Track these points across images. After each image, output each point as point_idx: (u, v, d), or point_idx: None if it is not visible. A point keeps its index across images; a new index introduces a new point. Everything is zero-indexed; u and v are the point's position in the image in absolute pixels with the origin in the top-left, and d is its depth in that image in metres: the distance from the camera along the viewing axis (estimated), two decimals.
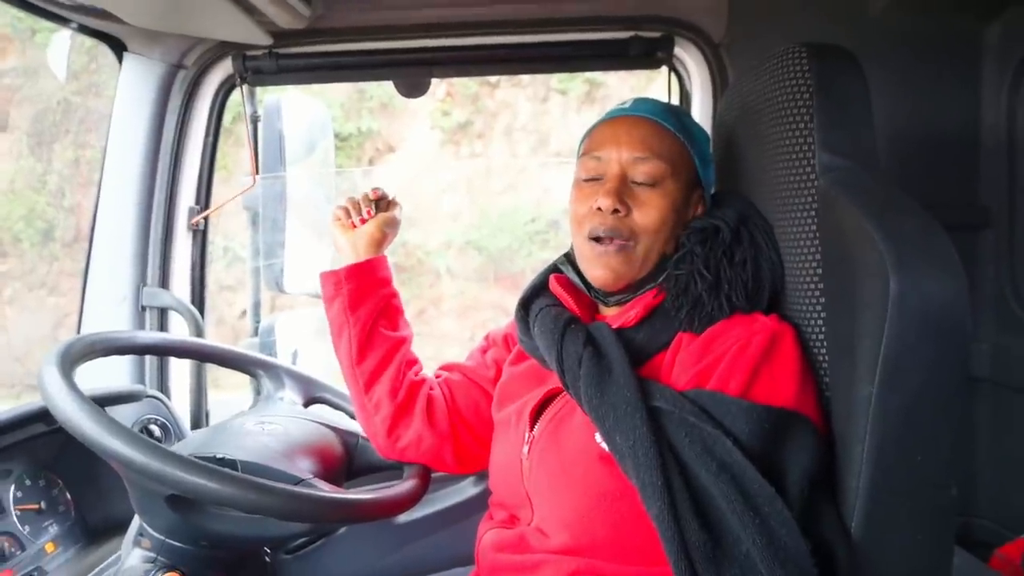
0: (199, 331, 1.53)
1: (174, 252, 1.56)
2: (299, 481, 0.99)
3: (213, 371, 1.54)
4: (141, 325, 1.54)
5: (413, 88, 1.54)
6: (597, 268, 1.02)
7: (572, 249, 1.10)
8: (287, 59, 1.49)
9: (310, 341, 1.75)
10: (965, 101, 1.44)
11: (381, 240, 1.18)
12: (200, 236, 1.61)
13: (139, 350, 1.39)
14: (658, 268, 1.03)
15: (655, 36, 1.47)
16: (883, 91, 1.26)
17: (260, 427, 1.11)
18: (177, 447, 1.06)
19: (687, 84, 1.54)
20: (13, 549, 1.17)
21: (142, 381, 1.53)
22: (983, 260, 1.44)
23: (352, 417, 1.28)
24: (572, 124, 5.53)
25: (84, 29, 1.41)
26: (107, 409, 1.04)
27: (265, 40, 1.43)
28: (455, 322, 5.34)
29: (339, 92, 5.38)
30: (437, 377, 1.22)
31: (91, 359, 1.05)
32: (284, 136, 1.62)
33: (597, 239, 1.01)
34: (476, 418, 1.17)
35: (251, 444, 1.05)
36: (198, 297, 1.62)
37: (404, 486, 1.10)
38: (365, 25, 1.48)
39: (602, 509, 0.92)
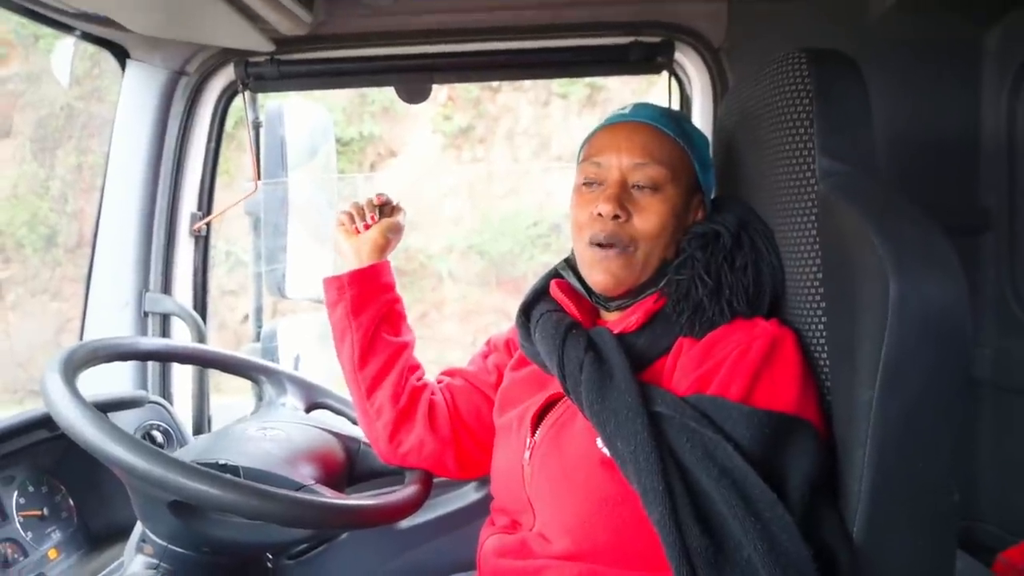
0: (201, 337, 1.54)
1: (176, 258, 1.56)
2: (301, 487, 0.99)
3: (215, 375, 1.55)
4: (144, 331, 1.54)
5: (414, 94, 1.55)
6: (598, 273, 1.02)
7: (573, 254, 1.11)
8: (289, 65, 1.50)
9: (312, 346, 1.75)
10: (965, 104, 1.45)
11: (384, 246, 1.18)
12: (202, 242, 1.62)
13: (141, 356, 1.40)
14: (659, 273, 1.03)
15: (655, 41, 1.48)
16: (883, 95, 1.27)
17: (262, 433, 1.11)
18: (179, 453, 1.07)
19: (687, 89, 1.55)
20: (16, 555, 1.17)
21: (144, 387, 1.54)
22: (984, 263, 1.44)
23: (354, 423, 1.28)
24: (573, 128, 5.54)
25: (87, 36, 1.41)
26: (109, 415, 1.04)
27: (267, 47, 1.43)
28: (457, 326, 5.34)
29: (341, 97, 5.39)
30: (439, 382, 1.22)
31: (94, 365, 1.06)
32: (286, 142, 1.62)
33: (598, 245, 1.01)
34: (478, 423, 1.18)
35: (253, 450, 1.05)
36: (200, 302, 1.62)
37: (406, 491, 1.10)
38: (366, 31, 1.48)
39: (603, 514, 0.92)
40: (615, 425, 0.90)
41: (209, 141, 1.58)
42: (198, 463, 0.95)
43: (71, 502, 1.28)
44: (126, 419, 1.37)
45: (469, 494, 1.48)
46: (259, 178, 1.58)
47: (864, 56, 1.01)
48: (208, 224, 1.61)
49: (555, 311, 1.07)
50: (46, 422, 1.22)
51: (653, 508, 0.84)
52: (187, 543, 0.98)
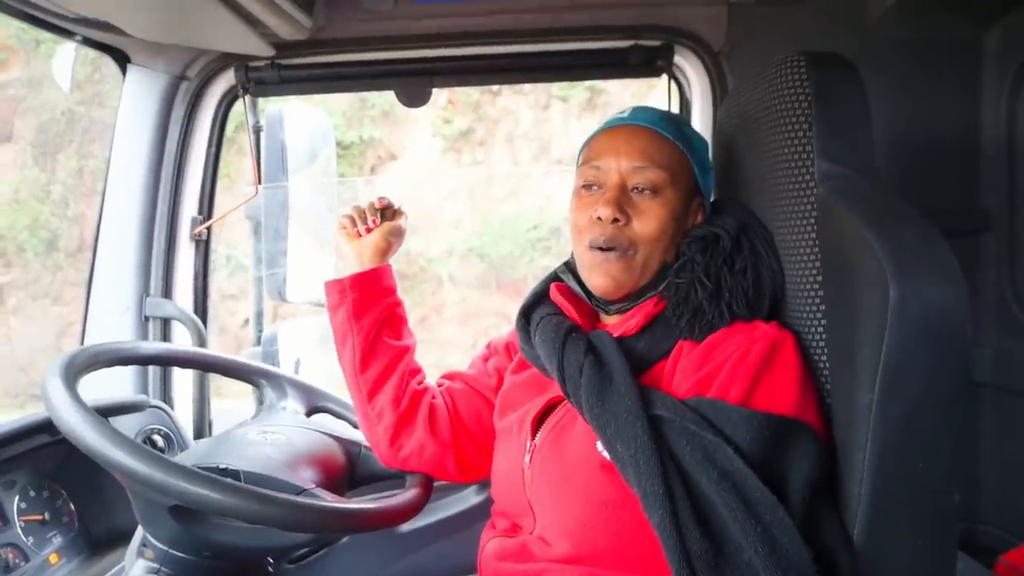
0: (202, 341, 1.54)
1: (177, 262, 1.56)
2: (301, 491, 0.99)
3: (216, 379, 1.55)
4: (144, 335, 1.54)
5: (414, 98, 1.55)
6: (598, 277, 1.02)
7: (572, 257, 1.11)
8: (289, 70, 1.50)
9: (313, 350, 1.75)
10: (965, 106, 1.45)
11: (386, 249, 1.18)
12: (203, 246, 1.62)
13: (142, 361, 1.39)
14: (659, 276, 1.03)
15: (655, 45, 1.48)
16: (883, 97, 1.27)
17: (263, 437, 1.11)
18: (180, 457, 1.07)
19: (687, 92, 1.55)
20: (17, 560, 1.17)
21: (145, 391, 1.54)
22: (984, 265, 1.44)
23: (354, 426, 1.28)
24: (573, 131, 5.54)
25: (88, 41, 1.42)
26: (110, 420, 1.04)
27: (267, 51, 1.44)
28: (457, 329, 5.34)
29: (341, 100, 5.40)
30: (439, 386, 1.22)
31: (95, 370, 1.06)
32: (286, 146, 1.62)
33: (598, 248, 1.01)
34: (478, 427, 1.18)
35: (254, 454, 1.05)
36: (201, 307, 1.63)
37: (406, 495, 1.10)
38: (366, 36, 1.48)
39: (604, 518, 0.92)
40: (615, 428, 0.90)
41: (210, 146, 1.58)
42: (199, 467, 0.95)
43: (72, 506, 1.28)
44: (127, 423, 1.37)
45: (470, 498, 1.48)
46: (260, 182, 1.59)
47: (863, 58, 1.02)
48: (209, 228, 1.61)
49: (555, 314, 1.07)
50: (47, 426, 1.22)
51: (653, 511, 0.84)
52: (188, 547, 0.99)
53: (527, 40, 1.49)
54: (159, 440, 1.42)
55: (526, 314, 1.12)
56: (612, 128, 1.07)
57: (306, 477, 1.04)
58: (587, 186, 1.05)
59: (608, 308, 1.07)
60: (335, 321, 1.16)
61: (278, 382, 1.31)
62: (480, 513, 1.36)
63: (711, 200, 1.11)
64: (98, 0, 1.21)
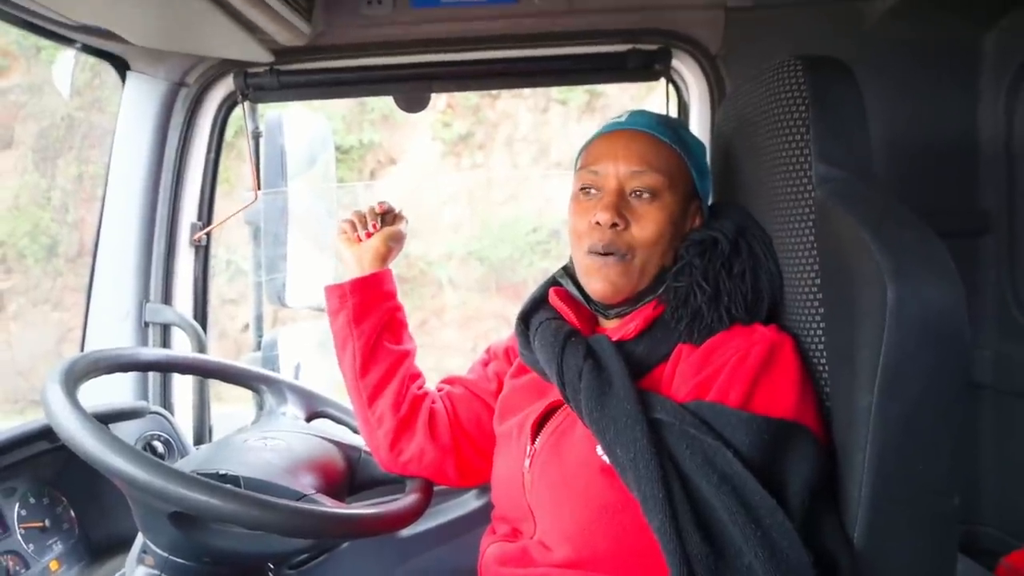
0: (202, 347, 1.54)
1: (177, 268, 1.57)
2: (301, 497, 0.99)
3: (216, 384, 1.55)
4: (144, 341, 1.55)
5: (413, 103, 1.56)
6: (596, 281, 1.03)
7: (571, 261, 1.11)
8: (288, 76, 1.50)
9: (313, 355, 1.75)
10: (963, 107, 1.45)
11: (386, 254, 1.19)
12: (202, 252, 1.62)
13: (142, 367, 1.40)
14: (657, 280, 1.03)
15: (653, 49, 1.48)
16: (881, 98, 1.27)
17: (263, 443, 1.11)
18: (180, 464, 1.07)
19: (685, 95, 1.55)
20: (18, 568, 1.17)
21: (145, 397, 1.54)
22: (984, 266, 1.44)
23: (355, 431, 1.28)
24: (573, 134, 5.55)
25: (88, 49, 1.42)
26: (110, 426, 1.04)
27: (266, 57, 1.44)
28: (457, 332, 5.35)
29: (340, 105, 5.41)
30: (439, 390, 1.22)
31: (94, 377, 1.06)
32: (285, 151, 1.63)
33: (596, 253, 1.02)
34: (478, 431, 1.18)
35: (254, 460, 1.05)
36: (201, 312, 1.63)
37: (406, 500, 1.10)
38: (365, 41, 1.49)
39: (604, 522, 0.92)
40: (615, 432, 0.90)
41: (209, 151, 1.59)
42: (199, 473, 0.95)
43: (72, 513, 1.28)
44: (127, 430, 1.37)
45: (470, 502, 1.48)
46: (259, 187, 1.59)
47: (861, 61, 1.02)
48: (208, 234, 1.61)
49: (554, 319, 1.07)
50: (47, 433, 1.22)
51: (653, 515, 0.84)
52: (188, 554, 0.98)
53: (526, 45, 1.50)
54: (159, 446, 1.42)
55: (525, 319, 1.12)
56: (609, 133, 1.07)
57: (306, 483, 1.04)
58: (585, 191, 1.05)
59: (607, 312, 1.07)
60: (335, 326, 1.16)
61: (278, 387, 1.31)
62: (480, 518, 1.36)
63: (709, 204, 1.11)
64: (98, 8, 1.22)
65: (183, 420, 1.53)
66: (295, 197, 1.66)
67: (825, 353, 0.93)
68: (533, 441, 1.04)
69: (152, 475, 0.86)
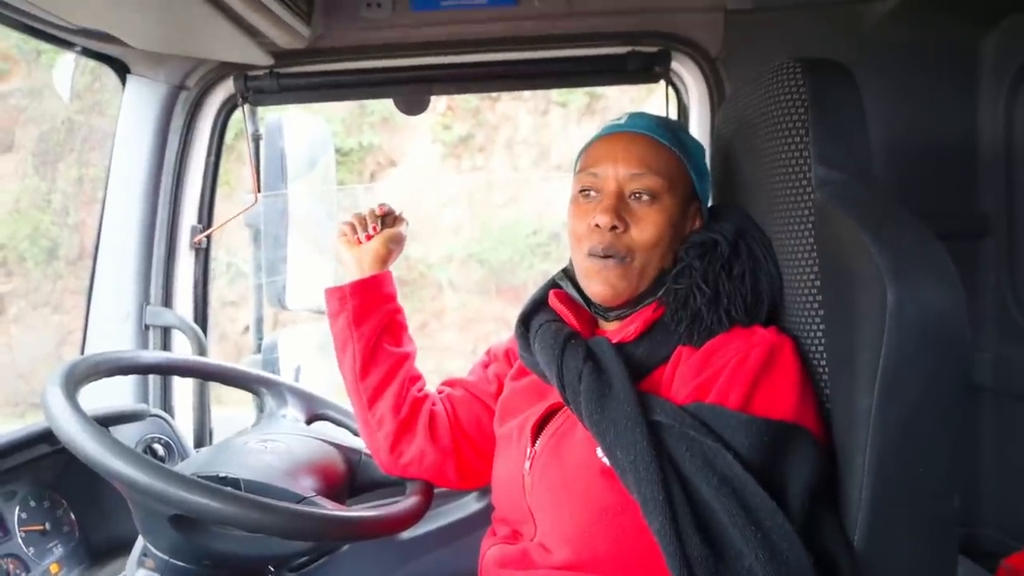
0: (202, 350, 1.54)
1: (177, 271, 1.57)
2: (302, 499, 0.99)
3: (216, 387, 1.55)
4: (144, 344, 1.55)
5: (413, 105, 1.56)
6: (596, 284, 1.03)
7: (571, 264, 1.11)
8: (288, 79, 1.50)
9: (313, 358, 1.75)
10: (963, 111, 1.45)
11: (386, 256, 1.19)
12: (203, 254, 1.62)
13: (142, 370, 1.40)
14: (657, 283, 1.03)
15: (652, 51, 1.49)
16: (881, 101, 1.27)
17: (263, 445, 1.11)
18: (180, 467, 1.07)
19: (684, 98, 1.55)
20: (18, 571, 1.17)
21: (146, 400, 1.54)
22: (984, 269, 1.44)
23: (355, 434, 1.28)
24: (573, 136, 5.55)
25: (88, 52, 1.42)
26: (111, 429, 1.04)
27: (266, 60, 1.44)
28: (457, 335, 5.34)
29: (340, 107, 5.41)
30: (439, 393, 1.22)
31: (95, 380, 1.06)
32: (285, 154, 1.63)
33: (596, 256, 1.02)
34: (478, 433, 1.18)
35: (254, 463, 1.05)
36: (201, 315, 1.63)
37: (407, 503, 1.10)
38: (364, 44, 1.49)
39: (604, 524, 0.92)
40: (615, 435, 0.90)
41: (209, 154, 1.59)
42: (199, 476, 0.95)
43: (73, 516, 1.28)
44: (127, 433, 1.37)
45: (470, 504, 1.48)
46: (259, 190, 1.59)
47: (861, 63, 1.02)
48: (208, 236, 1.61)
49: (554, 321, 1.08)
50: (47, 436, 1.22)
51: (653, 517, 0.84)
52: (188, 556, 0.98)
53: (525, 47, 1.50)
54: (159, 449, 1.42)
55: (525, 321, 1.12)
56: (609, 135, 1.07)
57: (306, 485, 1.04)
58: (584, 193, 1.05)
59: (607, 315, 1.07)
60: (335, 328, 1.16)
61: (278, 390, 1.31)
62: (481, 520, 1.36)
63: (708, 205, 1.11)
64: (98, 11, 1.22)
65: (183, 423, 1.53)
66: (295, 199, 1.66)
67: (825, 355, 0.93)
68: (533, 443, 1.04)
69: (152, 478, 0.86)
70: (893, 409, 0.82)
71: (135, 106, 1.52)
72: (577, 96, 5.57)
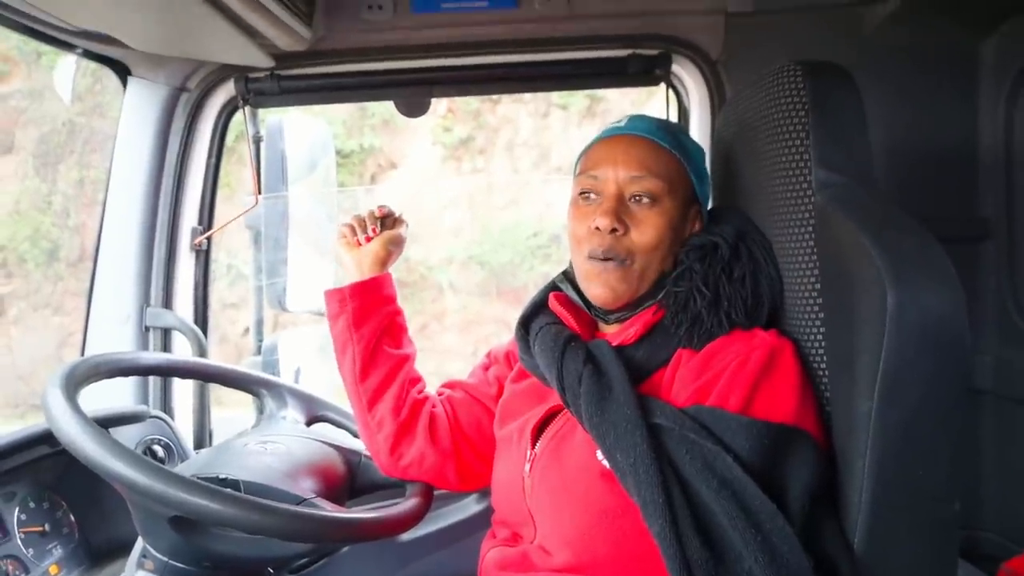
0: (202, 351, 1.54)
1: (177, 272, 1.57)
2: (302, 501, 0.99)
3: (216, 388, 1.55)
4: (145, 345, 1.55)
5: (414, 108, 1.56)
6: (596, 287, 1.03)
7: (571, 266, 1.11)
8: (289, 81, 1.51)
9: (313, 359, 1.75)
10: (963, 114, 1.45)
11: (386, 258, 1.19)
12: (203, 256, 1.62)
13: (143, 371, 1.40)
14: (657, 285, 1.03)
15: (653, 54, 1.49)
16: (881, 104, 1.28)
17: (263, 447, 1.11)
18: (180, 468, 1.07)
19: (685, 100, 1.56)
20: (17, 572, 1.16)
21: (146, 401, 1.54)
22: (984, 272, 1.44)
23: (355, 436, 1.28)
24: (573, 139, 5.56)
25: (89, 54, 1.43)
26: (110, 430, 1.04)
27: (267, 62, 1.44)
28: (457, 337, 5.34)
29: (341, 109, 5.41)
30: (439, 395, 1.22)
31: (95, 381, 1.06)
32: (286, 156, 1.63)
33: (596, 259, 1.02)
34: (478, 435, 1.18)
35: (254, 464, 1.05)
36: (201, 317, 1.63)
37: (407, 504, 1.10)
38: (365, 46, 1.49)
39: (604, 526, 0.92)
40: (614, 437, 0.90)
41: (210, 156, 1.59)
42: (199, 478, 0.95)
43: (72, 518, 1.28)
44: (127, 434, 1.37)
45: (470, 507, 1.48)
46: (260, 192, 1.59)
47: (861, 66, 1.03)
48: (209, 238, 1.61)
49: (554, 324, 1.08)
50: (47, 438, 1.22)
51: (653, 520, 0.84)
52: (188, 558, 0.98)
53: (526, 49, 1.50)
54: (159, 450, 1.41)
55: (525, 324, 1.12)
56: (609, 138, 1.07)
57: (306, 487, 1.04)
58: (585, 195, 1.05)
59: (607, 317, 1.07)
60: (335, 330, 1.16)
61: (278, 391, 1.31)
62: (480, 522, 1.35)
63: (708, 208, 1.11)
64: (99, 13, 1.22)
65: (183, 424, 1.53)
66: (296, 201, 1.66)
67: (825, 358, 0.93)
68: (533, 446, 1.04)
69: (152, 479, 0.86)
70: (893, 412, 0.82)
71: (136, 108, 1.52)
72: (577, 99, 5.58)
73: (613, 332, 1.06)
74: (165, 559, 0.99)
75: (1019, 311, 1.40)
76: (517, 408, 1.11)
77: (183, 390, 1.59)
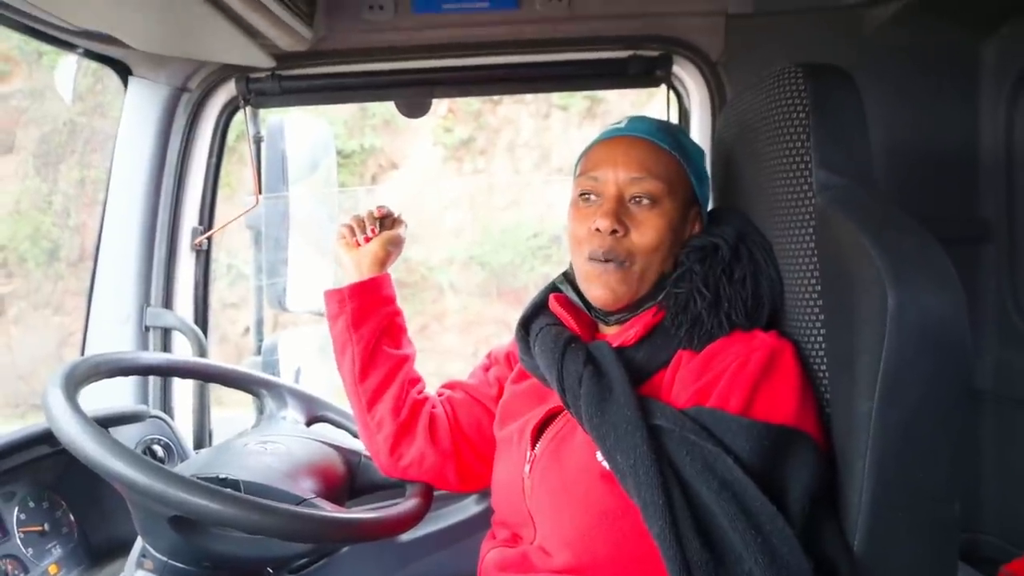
0: (202, 351, 1.54)
1: (178, 272, 1.57)
2: (301, 501, 0.99)
3: (216, 388, 1.55)
4: (145, 345, 1.55)
5: (415, 108, 1.56)
6: (596, 289, 1.03)
7: (571, 268, 1.11)
8: (290, 81, 1.51)
9: (313, 359, 1.75)
10: (963, 115, 1.45)
11: (384, 259, 1.19)
12: (203, 256, 1.62)
13: (143, 371, 1.40)
14: (657, 287, 1.03)
15: (654, 55, 1.49)
16: (881, 105, 1.28)
17: (263, 447, 1.11)
18: (180, 468, 1.07)
19: (686, 102, 1.56)
20: (17, 572, 1.16)
21: (145, 401, 1.54)
22: (984, 274, 1.44)
23: (355, 436, 1.28)
24: (574, 140, 5.55)
25: (90, 54, 1.43)
26: (110, 430, 1.05)
27: (268, 63, 1.44)
28: (458, 337, 5.34)
29: (342, 109, 5.41)
30: (439, 395, 1.22)
31: (95, 380, 1.06)
32: (287, 156, 1.63)
33: (596, 260, 1.02)
34: (478, 436, 1.18)
35: (254, 464, 1.05)
36: (201, 317, 1.63)
37: (407, 505, 1.10)
38: (367, 47, 1.49)
39: (604, 528, 0.92)
40: (615, 439, 0.90)
41: (210, 156, 1.59)
42: (198, 478, 0.95)
43: (72, 517, 1.28)
44: (127, 434, 1.37)
45: (470, 507, 1.48)
46: (260, 192, 1.59)
47: (861, 67, 1.03)
48: (209, 238, 1.61)
49: (554, 325, 1.08)
50: (47, 437, 1.21)
51: (653, 522, 0.84)
52: (188, 558, 0.98)
53: (527, 50, 1.50)
54: (159, 450, 1.41)
55: (525, 325, 1.12)
56: (609, 139, 1.07)
57: (306, 487, 1.04)
58: (585, 197, 1.05)
59: (607, 319, 1.07)
60: (334, 330, 1.16)
61: (278, 391, 1.31)
62: (480, 523, 1.36)
63: (708, 209, 1.11)
64: (100, 13, 1.22)
65: (183, 424, 1.53)
66: (296, 202, 1.66)
67: (825, 359, 0.93)
68: (533, 447, 1.04)
69: (152, 479, 0.86)
70: (893, 413, 0.82)
71: (137, 108, 1.52)
72: (578, 100, 5.58)
73: (613, 333, 1.06)
74: (165, 559, 0.99)
75: (1019, 312, 1.40)
76: (517, 409, 1.11)
77: (183, 390, 1.59)
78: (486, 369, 1.24)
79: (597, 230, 1.01)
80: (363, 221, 1.20)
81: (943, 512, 0.86)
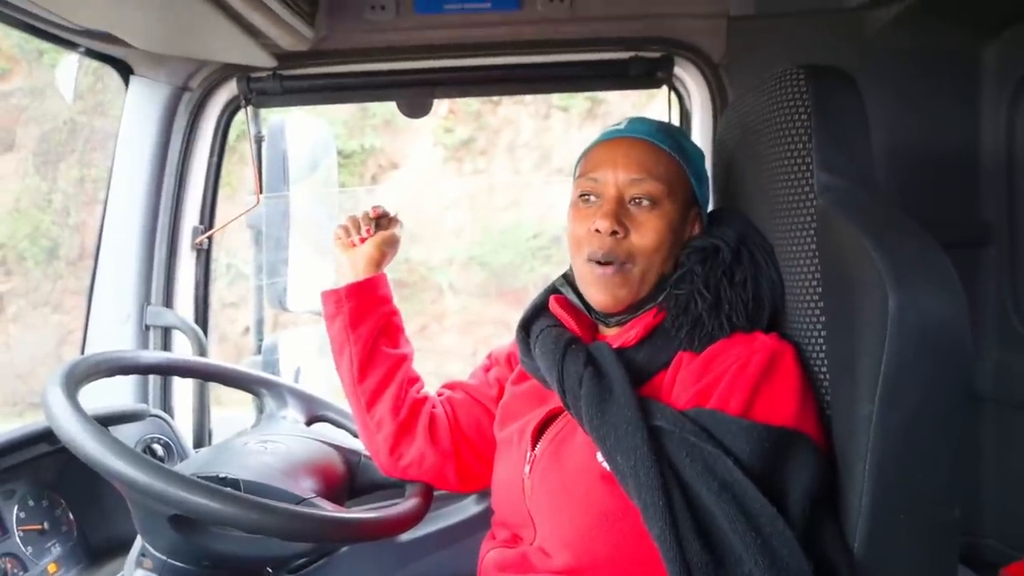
0: (202, 350, 1.54)
1: (178, 271, 1.57)
2: (301, 500, 0.99)
3: (216, 388, 1.55)
4: (145, 344, 1.55)
5: (416, 108, 1.56)
6: (597, 292, 1.03)
7: (571, 269, 1.11)
8: (291, 81, 1.51)
9: (313, 359, 1.75)
10: (965, 118, 1.45)
11: (380, 259, 1.19)
12: (204, 255, 1.62)
13: (143, 370, 1.40)
14: (657, 288, 1.03)
15: (655, 56, 1.49)
16: (883, 108, 1.28)
17: (263, 446, 1.11)
18: (180, 467, 1.07)
19: (687, 103, 1.56)
20: (16, 570, 1.16)
21: (145, 400, 1.54)
22: (985, 277, 1.44)
23: (355, 435, 1.28)
24: (574, 141, 5.55)
25: (91, 53, 1.42)
26: (110, 428, 1.04)
27: (269, 62, 1.44)
28: (458, 338, 5.33)
29: (342, 109, 5.40)
30: (439, 395, 1.22)
31: (95, 379, 1.06)
32: (287, 155, 1.63)
33: (596, 262, 1.02)
34: (478, 436, 1.18)
35: (253, 463, 1.05)
36: (202, 316, 1.63)
37: (406, 505, 1.10)
38: (368, 47, 1.49)
39: (603, 529, 0.92)
40: (615, 440, 0.90)
41: (211, 156, 1.59)
42: (198, 477, 0.95)
43: (71, 516, 1.28)
44: (127, 433, 1.37)
45: (469, 507, 1.47)
46: (261, 192, 1.59)
47: (863, 70, 1.03)
48: (210, 238, 1.61)
49: (554, 326, 1.08)
50: (47, 436, 1.22)
51: (653, 523, 0.84)
52: (187, 557, 0.98)
53: (528, 51, 1.50)
54: (159, 449, 1.41)
55: (526, 326, 1.12)
56: (609, 140, 1.07)
57: (306, 486, 1.04)
58: (584, 198, 1.05)
59: (607, 320, 1.07)
60: (332, 331, 1.16)
61: (278, 391, 1.31)
62: (480, 523, 1.35)
63: (708, 211, 1.11)
64: (101, 12, 1.22)
65: (183, 423, 1.53)
66: (297, 201, 1.66)
67: (826, 361, 0.93)
68: (533, 447, 1.04)
69: (152, 478, 0.86)
70: (894, 416, 0.82)
71: (138, 107, 1.52)
72: (579, 101, 5.58)
73: (614, 334, 1.06)
74: (164, 558, 0.99)
75: (1020, 315, 1.40)
76: (517, 410, 1.11)
77: (183, 389, 1.59)
78: (486, 370, 1.24)
79: (597, 231, 1.01)
80: (358, 222, 1.20)
81: (943, 515, 0.86)
